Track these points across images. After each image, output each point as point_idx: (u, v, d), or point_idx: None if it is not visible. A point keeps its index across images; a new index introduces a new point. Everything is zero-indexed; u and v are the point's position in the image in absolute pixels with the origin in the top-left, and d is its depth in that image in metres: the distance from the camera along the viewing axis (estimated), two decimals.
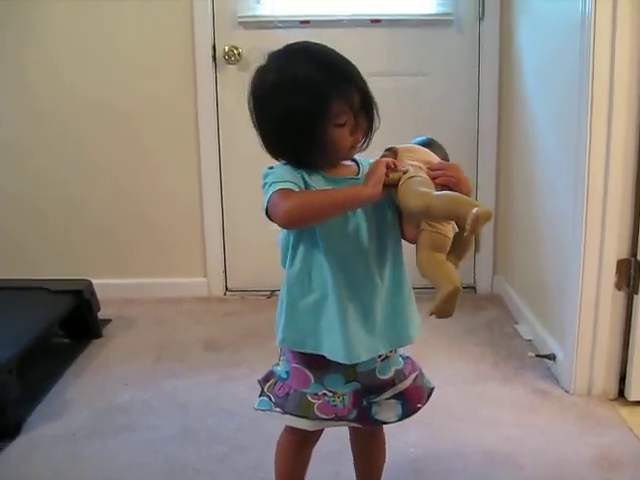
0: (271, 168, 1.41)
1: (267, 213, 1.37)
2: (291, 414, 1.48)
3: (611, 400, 2.36)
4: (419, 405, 1.54)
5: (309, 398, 1.47)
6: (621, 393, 2.37)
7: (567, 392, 2.41)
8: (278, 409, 1.50)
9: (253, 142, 1.43)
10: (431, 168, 1.42)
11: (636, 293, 2.27)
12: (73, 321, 2.95)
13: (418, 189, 1.31)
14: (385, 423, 1.54)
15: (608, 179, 2.23)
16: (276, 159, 1.44)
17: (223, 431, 2.21)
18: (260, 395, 1.55)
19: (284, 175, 1.37)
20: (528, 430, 2.18)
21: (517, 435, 2.15)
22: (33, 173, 3.45)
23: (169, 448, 2.11)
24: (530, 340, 2.85)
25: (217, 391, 2.50)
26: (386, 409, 1.51)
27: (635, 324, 2.28)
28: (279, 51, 1.40)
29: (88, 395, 2.48)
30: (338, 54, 1.42)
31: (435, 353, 2.74)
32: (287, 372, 1.52)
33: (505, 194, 3.39)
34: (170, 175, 3.47)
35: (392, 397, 1.52)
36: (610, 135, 2.21)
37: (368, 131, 1.43)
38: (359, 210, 1.40)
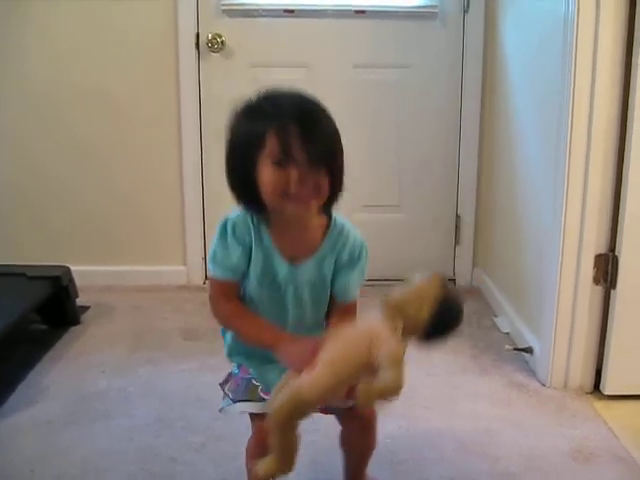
0: (226, 221, 1.49)
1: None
2: (240, 400, 1.53)
3: (587, 394, 2.38)
4: None
5: (253, 382, 1.54)
6: (597, 387, 2.39)
7: (543, 385, 2.43)
8: (233, 402, 1.55)
9: None
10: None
11: (614, 288, 2.28)
12: (51, 308, 2.93)
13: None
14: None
15: (588, 174, 2.24)
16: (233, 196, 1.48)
17: (200, 420, 2.20)
18: (223, 398, 1.60)
19: (223, 256, 1.46)
20: (504, 422, 2.19)
21: (493, 427, 2.16)
22: (14, 158, 3.43)
23: (145, 436, 2.10)
24: (508, 333, 2.87)
25: (195, 380, 2.49)
26: None
27: (612, 319, 2.30)
28: (266, 92, 1.42)
29: (65, 382, 2.47)
30: (310, 101, 1.40)
31: (412, 345, 2.74)
32: (238, 366, 1.60)
33: (486, 187, 3.40)
34: (151, 163, 3.45)
35: None
36: (591, 131, 2.21)
37: (330, 188, 1.40)
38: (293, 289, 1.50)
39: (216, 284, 1.50)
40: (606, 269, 2.30)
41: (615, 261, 2.27)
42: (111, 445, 2.06)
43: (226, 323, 1.55)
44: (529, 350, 2.58)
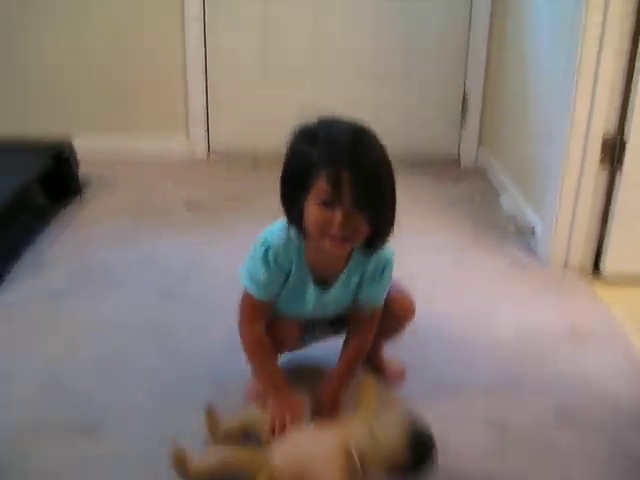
0: (268, 247, 1.50)
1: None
2: None
3: (586, 274, 2.40)
4: None
5: None
6: (596, 268, 2.41)
7: (544, 265, 2.45)
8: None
9: None
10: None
11: (619, 171, 2.26)
12: (53, 180, 2.92)
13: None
14: None
15: (600, 56, 2.19)
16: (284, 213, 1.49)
17: (202, 290, 2.23)
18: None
19: (260, 276, 1.51)
20: (504, 300, 2.22)
21: (494, 305, 2.20)
22: (18, 29, 3.32)
23: (148, 306, 2.14)
24: (511, 213, 2.87)
25: (197, 251, 2.51)
26: None
27: (615, 201, 2.29)
28: (326, 118, 1.42)
29: (68, 253, 2.48)
30: (365, 139, 1.40)
31: (416, 223, 2.75)
32: None
33: (495, 65, 3.32)
34: (153, 33, 3.36)
35: None
36: (607, 11, 2.14)
37: (372, 232, 1.42)
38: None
39: (250, 301, 1.56)
40: (613, 152, 2.27)
41: (622, 144, 2.24)
42: (115, 314, 2.09)
43: (243, 347, 1.61)
44: (531, 230, 2.58)
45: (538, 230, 2.54)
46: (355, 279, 1.56)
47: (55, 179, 2.93)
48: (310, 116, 1.41)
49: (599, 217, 2.37)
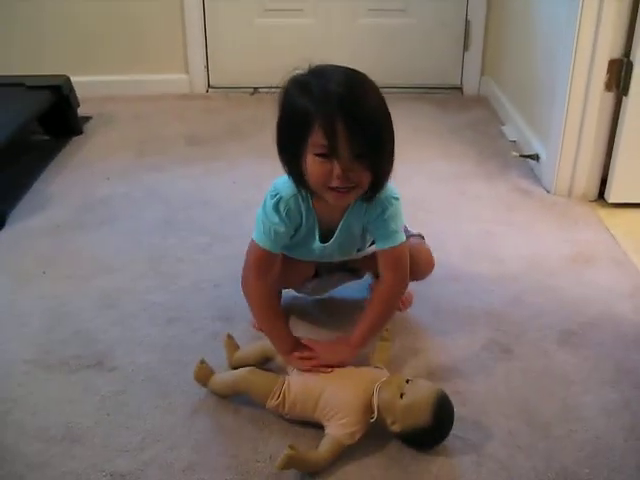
0: (279, 199, 1.46)
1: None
2: None
3: (591, 201, 2.39)
4: None
5: None
6: (601, 195, 2.39)
7: (548, 192, 2.44)
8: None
9: None
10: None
11: (625, 95, 2.23)
12: (53, 118, 2.91)
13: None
14: None
15: None
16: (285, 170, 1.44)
17: (205, 222, 2.24)
18: None
19: (270, 226, 1.47)
20: (508, 227, 2.22)
21: (497, 231, 2.19)
22: None
23: (152, 238, 2.14)
24: (515, 141, 2.85)
25: (199, 184, 2.52)
26: None
27: (621, 126, 2.26)
28: (318, 66, 1.38)
29: (70, 189, 2.48)
30: (359, 85, 1.35)
31: (418, 151, 2.74)
32: None
33: None
34: None
35: None
36: None
37: (373, 179, 1.36)
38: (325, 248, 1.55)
39: (259, 253, 1.50)
40: (619, 75, 2.23)
41: (629, 67, 2.20)
42: (119, 247, 2.09)
43: (249, 301, 1.57)
44: (535, 157, 2.56)
45: (542, 157, 2.52)
46: (357, 226, 1.52)
47: (55, 117, 2.92)
48: (304, 63, 1.38)
49: (605, 143, 2.34)
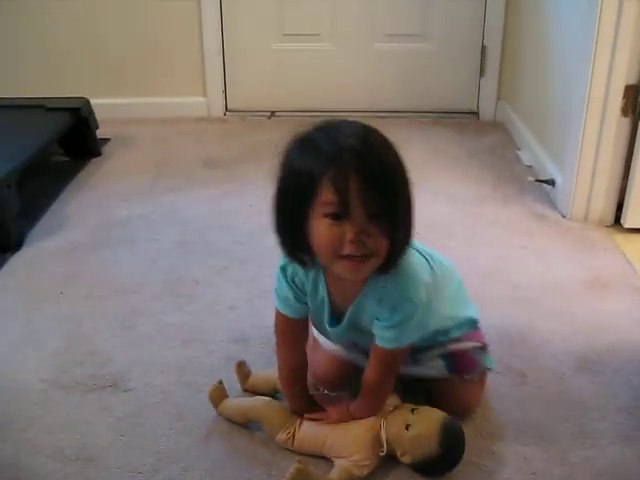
0: (285, 266, 1.35)
1: None
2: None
3: (607, 227, 2.38)
4: None
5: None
6: (617, 220, 2.38)
7: (564, 217, 2.43)
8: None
9: None
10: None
11: None
12: (72, 139, 2.94)
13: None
14: None
15: (623, 1, 2.13)
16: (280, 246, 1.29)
17: (222, 244, 2.25)
18: None
19: (283, 294, 1.37)
20: (524, 251, 2.22)
21: (513, 255, 2.19)
22: None
23: (169, 260, 2.16)
24: (531, 166, 2.85)
25: (216, 206, 2.53)
26: None
27: (638, 151, 2.25)
28: (325, 121, 1.23)
29: (88, 211, 2.50)
30: (374, 138, 1.19)
31: (436, 174, 2.75)
32: None
33: (514, 16, 3.27)
34: None
35: None
36: None
37: (392, 245, 1.20)
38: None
39: (278, 315, 1.41)
40: (635, 100, 2.23)
41: None
42: (135, 268, 2.11)
43: (277, 360, 1.48)
44: (551, 182, 2.56)
45: (559, 181, 2.51)
46: (371, 305, 1.31)
47: (74, 139, 2.95)
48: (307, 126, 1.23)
49: (621, 168, 2.33)
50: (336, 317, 1.37)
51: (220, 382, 1.49)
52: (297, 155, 1.20)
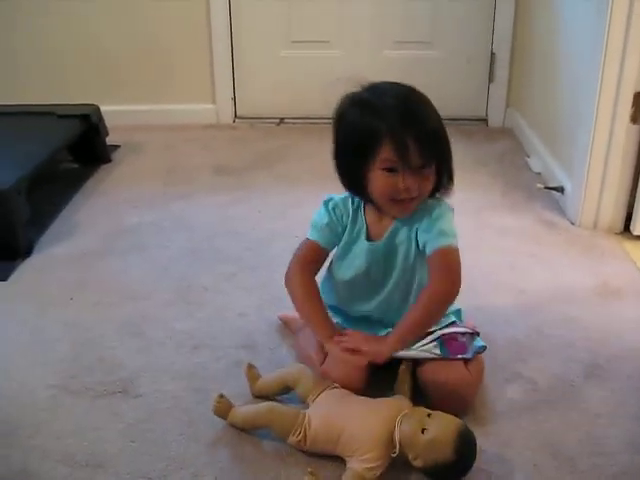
0: (330, 199, 1.55)
1: None
2: None
3: (616, 234, 2.38)
4: None
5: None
6: (627, 228, 2.38)
7: (573, 224, 2.43)
8: None
9: None
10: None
11: None
12: (82, 146, 2.96)
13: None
14: None
15: (632, 9, 2.13)
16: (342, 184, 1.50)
17: (231, 251, 2.25)
18: None
19: (320, 222, 1.54)
20: (532, 258, 2.21)
21: (521, 262, 2.19)
22: (42, 2, 3.35)
23: (179, 267, 2.16)
24: (540, 173, 2.85)
25: (225, 213, 2.53)
26: None
27: None
28: (372, 83, 1.44)
29: (98, 217, 2.51)
30: (417, 99, 1.43)
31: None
32: None
33: (523, 23, 3.28)
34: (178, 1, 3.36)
35: None
36: None
37: (435, 187, 1.45)
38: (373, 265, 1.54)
39: (307, 242, 1.56)
40: None
41: None
42: (146, 275, 2.11)
43: (289, 289, 1.58)
44: (560, 189, 2.56)
45: (568, 189, 2.51)
46: (404, 233, 1.49)
47: (84, 145, 2.96)
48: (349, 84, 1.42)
49: (630, 176, 2.33)
50: (368, 240, 1.53)
51: (221, 396, 1.48)
52: (355, 115, 1.40)
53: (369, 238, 1.53)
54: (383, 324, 1.57)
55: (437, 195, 1.49)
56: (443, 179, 1.46)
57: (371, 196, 1.44)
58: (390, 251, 1.52)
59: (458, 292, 1.47)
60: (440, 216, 1.47)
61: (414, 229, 1.49)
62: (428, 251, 1.46)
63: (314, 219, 1.56)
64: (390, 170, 1.37)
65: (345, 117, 1.43)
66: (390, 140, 1.34)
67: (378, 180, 1.39)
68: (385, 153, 1.35)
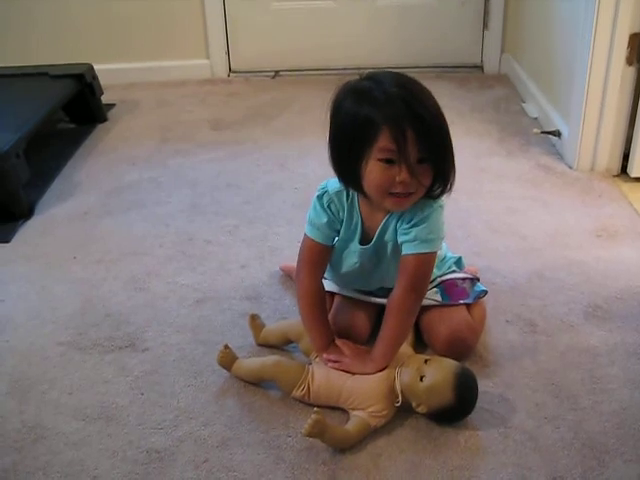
0: (323, 193, 1.48)
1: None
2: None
3: (614, 176, 2.38)
4: None
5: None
6: (624, 170, 2.39)
7: (570, 168, 2.44)
8: None
9: None
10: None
11: None
12: (77, 106, 2.95)
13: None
14: None
15: None
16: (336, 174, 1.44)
17: (231, 205, 2.27)
18: None
19: (319, 220, 1.48)
20: (530, 202, 2.23)
21: (519, 207, 2.20)
22: None
23: (179, 222, 2.17)
24: (536, 118, 2.84)
25: (223, 167, 2.54)
26: None
27: None
28: (371, 73, 1.38)
29: (97, 176, 2.52)
30: (417, 88, 1.34)
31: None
32: None
33: None
34: None
35: None
36: None
37: (432, 182, 1.37)
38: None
39: (307, 243, 1.51)
40: None
41: None
42: (147, 231, 2.13)
43: (296, 286, 1.56)
44: (557, 133, 2.56)
45: (564, 133, 2.51)
46: (392, 229, 1.46)
47: (79, 105, 2.95)
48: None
49: (626, 118, 2.33)
50: (366, 241, 1.50)
51: (226, 346, 1.50)
52: (353, 104, 1.33)
53: (363, 234, 1.49)
54: (380, 285, 1.60)
55: (433, 194, 1.41)
56: (441, 179, 1.37)
57: (366, 189, 1.38)
58: (380, 248, 1.50)
59: (424, 296, 1.48)
60: (427, 218, 1.42)
61: (399, 225, 1.45)
62: (403, 252, 1.43)
63: (311, 216, 1.50)
64: (387, 161, 1.31)
65: (343, 105, 1.36)
66: (389, 129, 1.28)
67: (375, 171, 1.33)
68: (383, 142, 1.29)
